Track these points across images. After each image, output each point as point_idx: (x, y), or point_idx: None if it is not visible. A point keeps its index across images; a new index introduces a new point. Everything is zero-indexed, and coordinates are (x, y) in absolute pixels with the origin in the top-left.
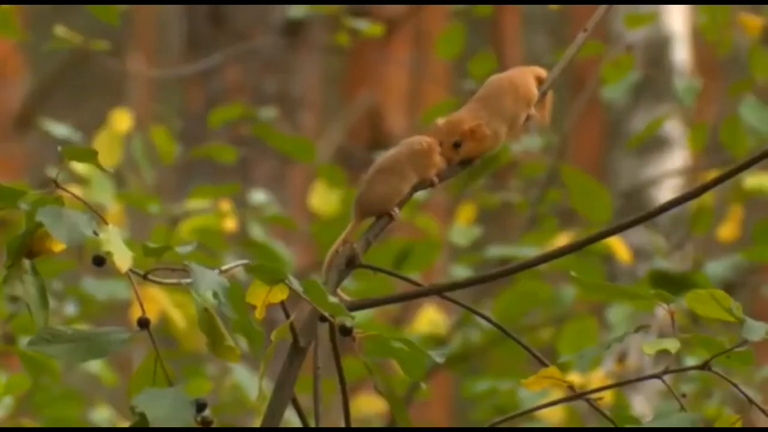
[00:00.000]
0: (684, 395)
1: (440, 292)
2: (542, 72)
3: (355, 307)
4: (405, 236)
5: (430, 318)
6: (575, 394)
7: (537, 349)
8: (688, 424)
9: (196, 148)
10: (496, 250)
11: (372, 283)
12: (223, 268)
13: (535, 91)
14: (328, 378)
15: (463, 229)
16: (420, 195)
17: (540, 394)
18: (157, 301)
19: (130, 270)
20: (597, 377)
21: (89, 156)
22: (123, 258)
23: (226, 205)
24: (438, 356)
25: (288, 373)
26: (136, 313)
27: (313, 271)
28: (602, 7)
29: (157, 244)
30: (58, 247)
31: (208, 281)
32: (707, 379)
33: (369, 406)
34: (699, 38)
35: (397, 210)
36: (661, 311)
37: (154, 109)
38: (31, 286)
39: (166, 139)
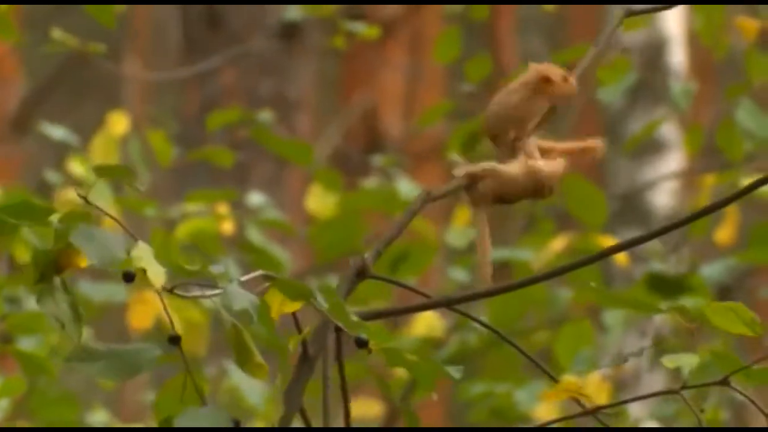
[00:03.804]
0: (703, 410)
1: (450, 304)
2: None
3: (367, 317)
4: (402, 239)
5: (427, 321)
6: (587, 411)
7: (533, 352)
8: None
9: (192, 152)
10: (493, 253)
11: (370, 289)
12: (243, 278)
13: None
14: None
15: (459, 231)
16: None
17: (535, 398)
18: (153, 305)
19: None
20: (593, 380)
21: (122, 173)
22: (156, 275)
23: (223, 209)
24: (455, 372)
25: (296, 384)
26: (133, 317)
27: (309, 274)
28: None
29: (192, 266)
30: (85, 262)
31: (242, 300)
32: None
33: (366, 409)
34: (695, 41)
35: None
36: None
37: (149, 111)
38: (63, 303)
39: (163, 142)
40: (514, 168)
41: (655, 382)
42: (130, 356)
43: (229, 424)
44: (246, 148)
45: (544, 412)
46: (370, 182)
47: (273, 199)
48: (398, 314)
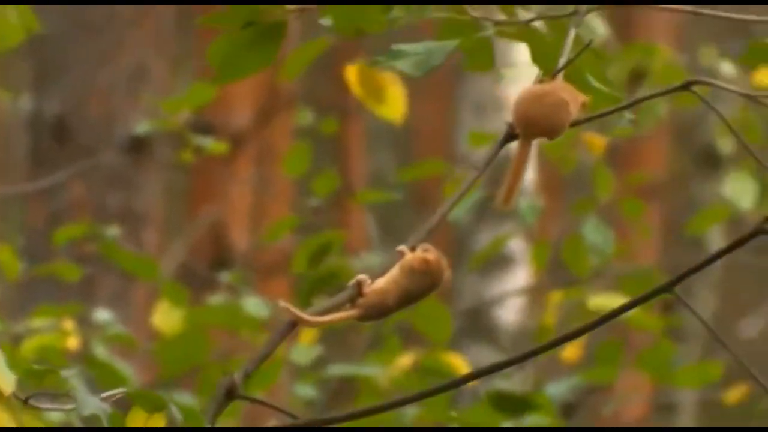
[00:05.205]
0: None
1: (324, 425)
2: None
3: None
4: (244, 356)
5: None
6: None
7: None
8: None
9: (38, 266)
10: (337, 369)
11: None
12: (104, 395)
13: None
14: None
15: (304, 348)
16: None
17: None
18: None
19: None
20: None
21: None
22: (6, 381)
23: (69, 324)
24: None
25: None
26: None
27: (156, 388)
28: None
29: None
30: None
31: (92, 407)
32: None
33: None
34: (543, 156)
35: None
36: None
37: None
38: None
39: (9, 256)
40: (387, 277)
41: None
42: None
43: None
44: (92, 262)
45: None
46: (217, 298)
47: (119, 313)
48: None
